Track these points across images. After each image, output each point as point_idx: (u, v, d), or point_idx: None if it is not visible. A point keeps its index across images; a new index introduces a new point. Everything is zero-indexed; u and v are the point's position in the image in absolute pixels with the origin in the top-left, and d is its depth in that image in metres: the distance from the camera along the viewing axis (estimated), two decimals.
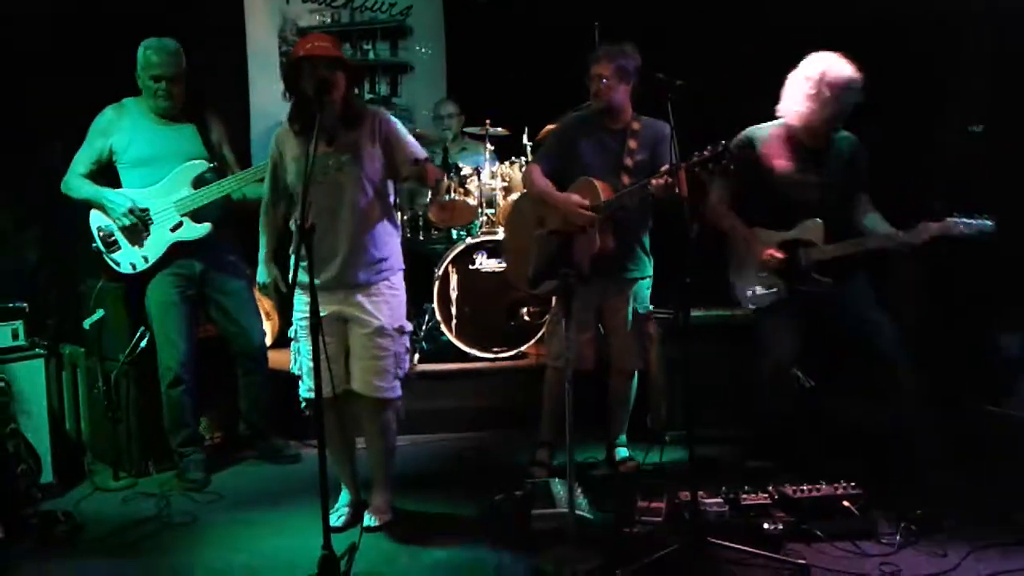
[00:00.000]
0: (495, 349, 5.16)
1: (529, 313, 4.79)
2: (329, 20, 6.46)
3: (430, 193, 5.49)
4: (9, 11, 4.77)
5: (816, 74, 3.69)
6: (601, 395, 4.30)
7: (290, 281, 3.23)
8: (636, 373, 4.23)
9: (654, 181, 3.67)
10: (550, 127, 5.26)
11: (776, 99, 3.86)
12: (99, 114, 4.22)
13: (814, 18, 4.99)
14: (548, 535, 3.42)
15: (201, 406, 4.46)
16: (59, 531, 3.62)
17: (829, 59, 3.71)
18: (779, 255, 3.81)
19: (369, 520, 3.62)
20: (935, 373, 4.68)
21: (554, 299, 4.27)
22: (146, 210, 4.14)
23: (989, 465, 3.90)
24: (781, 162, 3.85)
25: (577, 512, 3.32)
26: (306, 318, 3.35)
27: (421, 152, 3.53)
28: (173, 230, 4.17)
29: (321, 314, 3.11)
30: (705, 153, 3.46)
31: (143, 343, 4.26)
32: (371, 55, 6.61)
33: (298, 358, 3.58)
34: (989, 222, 3.47)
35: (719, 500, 3.44)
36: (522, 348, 5.18)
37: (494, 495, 3.83)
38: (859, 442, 4.30)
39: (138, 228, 4.13)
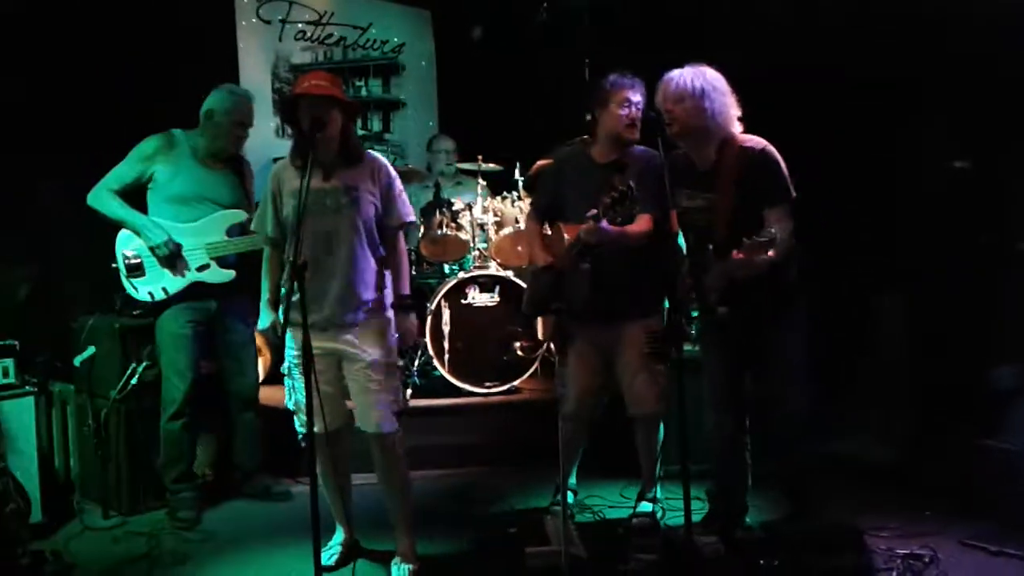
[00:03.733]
0: (488, 384, 5.14)
1: (522, 348, 4.77)
2: (322, 57, 6.51)
3: (422, 228, 5.52)
4: (9, 53, 4.80)
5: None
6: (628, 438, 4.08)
7: (281, 317, 3.23)
8: (659, 419, 3.93)
9: (583, 227, 3.50)
10: (541, 162, 5.28)
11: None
12: (146, 139, 4.24)
13: (793, 52, 5.07)
14: (542, 573, 3.40)
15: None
16: (49, 571, 3.59)
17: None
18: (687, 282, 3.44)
19: (396, 571, 3.53)
20: (926, 405, 4.72)
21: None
22: (179, 245, 4.17)
23: (977, 499, 3.90)
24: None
25: (571, 550, 3.31)
26: (299, 355, 3.34)
27: (410, 215, 3.58)
28: (199, 270, 4.21)
29: (314, 352, 3.09)
30: (606, 200, 3.31)
31: (134, 380, 4.25)
32: (363, 92, 6.67)
33: (292, 394, 3.55)
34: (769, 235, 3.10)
35: (714, 538, 3.43)
36: (515, 383, 5.16)
37: (487, 532, 3.80)
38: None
39: (168, 262, 4.16)
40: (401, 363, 3.61)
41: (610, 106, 3.80)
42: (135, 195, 4.24)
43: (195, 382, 4.22)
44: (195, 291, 4.22)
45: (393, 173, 3.57)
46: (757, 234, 3.08)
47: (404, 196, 3.59)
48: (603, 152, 3.89)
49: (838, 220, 4.94)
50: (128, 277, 4.20)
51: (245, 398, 4.46)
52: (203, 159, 4.25)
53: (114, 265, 4.23)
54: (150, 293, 4.19)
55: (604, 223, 3.39)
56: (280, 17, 6.36)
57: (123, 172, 4.21)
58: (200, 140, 4.26)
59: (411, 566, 3.53)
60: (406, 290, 3.59)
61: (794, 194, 3.44)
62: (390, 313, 3.56)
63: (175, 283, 4.19)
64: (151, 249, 4.14)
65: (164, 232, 4.14)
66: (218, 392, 4.43)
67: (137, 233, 4.16)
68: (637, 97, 3.78)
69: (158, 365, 4.30)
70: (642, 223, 3.69)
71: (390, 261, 3.56)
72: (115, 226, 4.22)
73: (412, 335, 3.64)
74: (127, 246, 4.20)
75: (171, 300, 4.20)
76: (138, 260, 4.18)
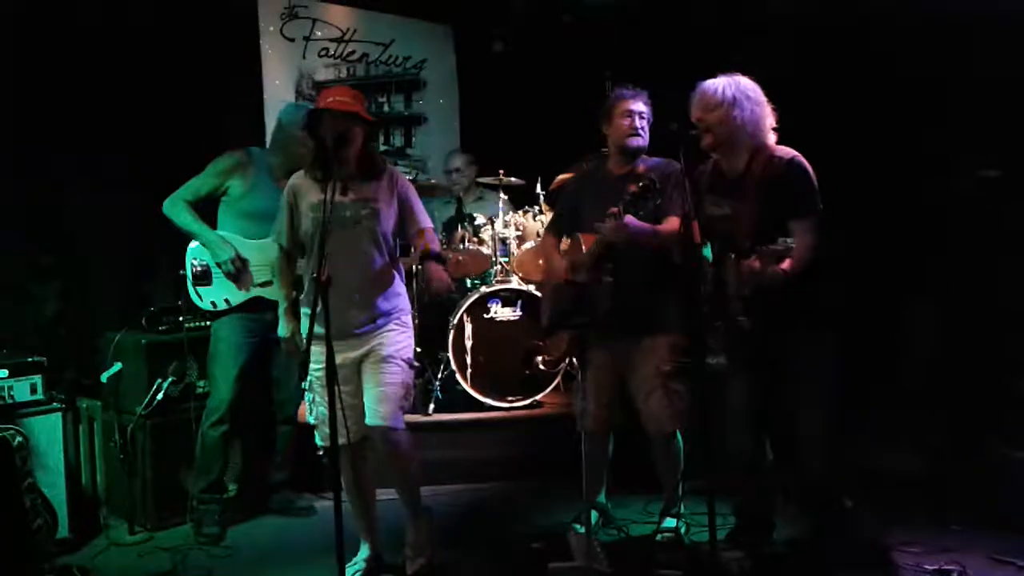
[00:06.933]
0: (510, 398, 5.14)
1: (544, 362, 4.76)
2: (345, 74, 6.55)
3: (444, 243, 5.53)
4: (39, 69, 4.87)
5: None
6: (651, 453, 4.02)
7: (305, 333, 3.26)
8: (678, 434, 3.88)
9: (605, 222, 3.55)
10: (563, 176, 5.30)
11: None
12: (225, 154, 4.32)
13: (814, 57, 5.05)
14: None
15: None
16: None
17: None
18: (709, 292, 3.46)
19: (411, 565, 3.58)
20: (954, 416, 4.66)
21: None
22: (246, 262, 4.25)
23: (1005, 513, 3.86)
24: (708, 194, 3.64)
25: (594, 566, 3.29)
26: (321, 368, 3.35)
27: (427, 222, 3.65)
28: (261, 286, 4.28)
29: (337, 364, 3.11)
30: (627, 195, 3.42)
31: (159, 396, 4.29)
32: (385, 107, 6.71)
33: (313, 408, 3.57)
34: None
35: (740, 554, 3.40)
36: (537, 397, 5.15)
37: (510, 547, 3.79)
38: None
39: (233, 277, 4.24)
40: (419, 365, 3.62)
41: (614, 118, 3.89)
42: (204, 203, 4.33)
43: (242, 391, 4.27)
44: (254, 303, 4.30)
45: (408, 182, 3.66)
46: (774, 242, 3.08)
47: (420, 203, 3.68)
48: (618, 164, 3.95)
49: (868, 226, 4.92)
50: (194, 284, 4.30)
51: (287, 410, 4.52)
52: (278, 177, 4.27)
53: (181, 272, 4.32)
54: (213, 303, 4.28)
55: (629, 217, 3.41)
56: (303, 35, 6.40)
57: (199, 185, 4.29)
58: (274, 159, 4.33)
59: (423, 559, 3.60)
60: (435, 248, 3.67)
61: (821, 207, 3.41)
62: (408, 319, 3.63)
63: (238, 296, 4.28)
64: (217, 264, 4.24)
65: (232, 249, 4.22)
66: (259, 404, 4.47)
67: (206, 247, 4.25)
68: (639, 106, 3.86)
69: (188, 377, 4.39)
70: (670, 224, 3.69)
71: (419, 241, 3.64)
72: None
73: (443, 282, 3.69)
74: (197, 255, 4.29)
75: (231, 310, 4.28)
76: (206, 269, 4.28)
